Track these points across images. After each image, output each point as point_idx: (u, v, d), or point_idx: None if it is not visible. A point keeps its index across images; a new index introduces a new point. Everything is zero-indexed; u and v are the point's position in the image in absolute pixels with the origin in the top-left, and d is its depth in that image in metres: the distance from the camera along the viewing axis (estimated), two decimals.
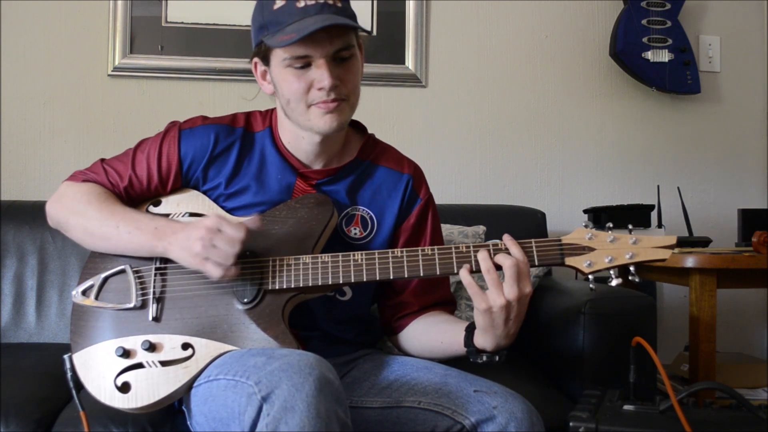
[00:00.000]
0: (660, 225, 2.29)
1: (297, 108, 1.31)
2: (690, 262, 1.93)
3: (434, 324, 1.40)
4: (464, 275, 1.20)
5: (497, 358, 1.25)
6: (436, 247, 1.25)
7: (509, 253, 1.20)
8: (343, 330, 1.44)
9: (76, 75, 2.40)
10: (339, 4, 1.27)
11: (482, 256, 1.20)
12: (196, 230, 1.23)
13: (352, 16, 1.30)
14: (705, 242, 2.24)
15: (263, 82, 1.37)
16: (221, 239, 1.21)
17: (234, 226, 1.23)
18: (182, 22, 2.43)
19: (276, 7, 1.26)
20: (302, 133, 1.36)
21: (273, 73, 1.32)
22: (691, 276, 1.97)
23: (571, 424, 1.32)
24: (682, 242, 2.19)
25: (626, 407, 1.38)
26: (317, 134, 1.34)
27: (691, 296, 1.97)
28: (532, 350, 1.92)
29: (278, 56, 1.28)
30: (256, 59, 1.35)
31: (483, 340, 1.23)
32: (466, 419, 1.20)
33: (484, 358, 1.25)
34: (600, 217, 2.19)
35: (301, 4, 1.25)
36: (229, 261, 1.22)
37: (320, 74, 1.26)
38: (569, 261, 1.22)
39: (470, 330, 1.27)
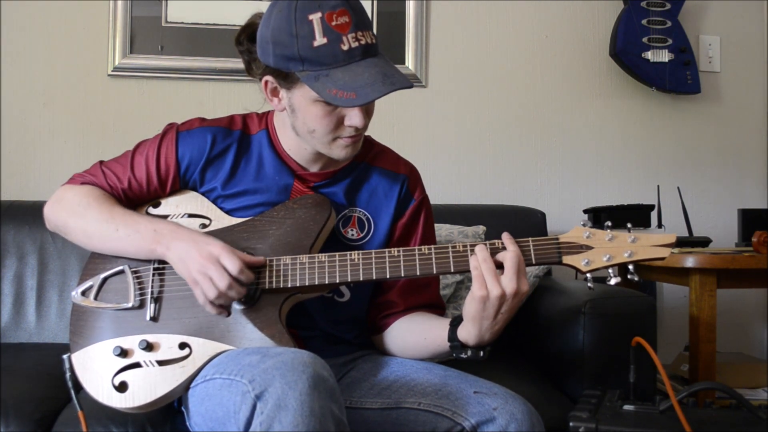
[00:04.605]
0: (660, 225, 2.28)
1: (322, 138, 1.30)
2: (690, 262, 1.93)
3: (419, 322, 1.39)
4: (472, 260, 1.20)
5: (481, 353, 1.24)
6: (433, 246, 1.24)
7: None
8: (343, 330, 1.44)
9: (76, 75, 2.39)
10: (373, 41, 1.24)
11: (480, 247, 1.20)
12: (197, 250, 1.23)
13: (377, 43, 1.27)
14: (705, 242, 2.23)
15: (274, 98, 1.33)
16: (216, 271, 1.21)
17: (234, 260, 1.21)
18: (182, 22, 2.43)
19: (316, 44, 1.19)
20: (306, 146, 1.36)
21: (295, 100, 1.28)
22: (691, 276, 1.97)
23: (571, 424, 1.32)
24: (682, 242, 2.19)
25: (626, 407, 1.38)
26: (333, 158, 1.34)
27: (691, 296, 1.97)
28: (532, 350, 1.91)
29: (308, 91, 1.24)
30: (268, 78, 1.30)
31: (467, 332, 1.22)
32: (466, 421, 1.19)
33: (469, 352, 1.24)
34: (600, 217, 2.19)
35: (345, 47, 1.20)
36: (211, 296, 1.22)
37: (354, 115, 1.25)
38: (567, 259, 1.21)
39: (454, 325, 1.26)
